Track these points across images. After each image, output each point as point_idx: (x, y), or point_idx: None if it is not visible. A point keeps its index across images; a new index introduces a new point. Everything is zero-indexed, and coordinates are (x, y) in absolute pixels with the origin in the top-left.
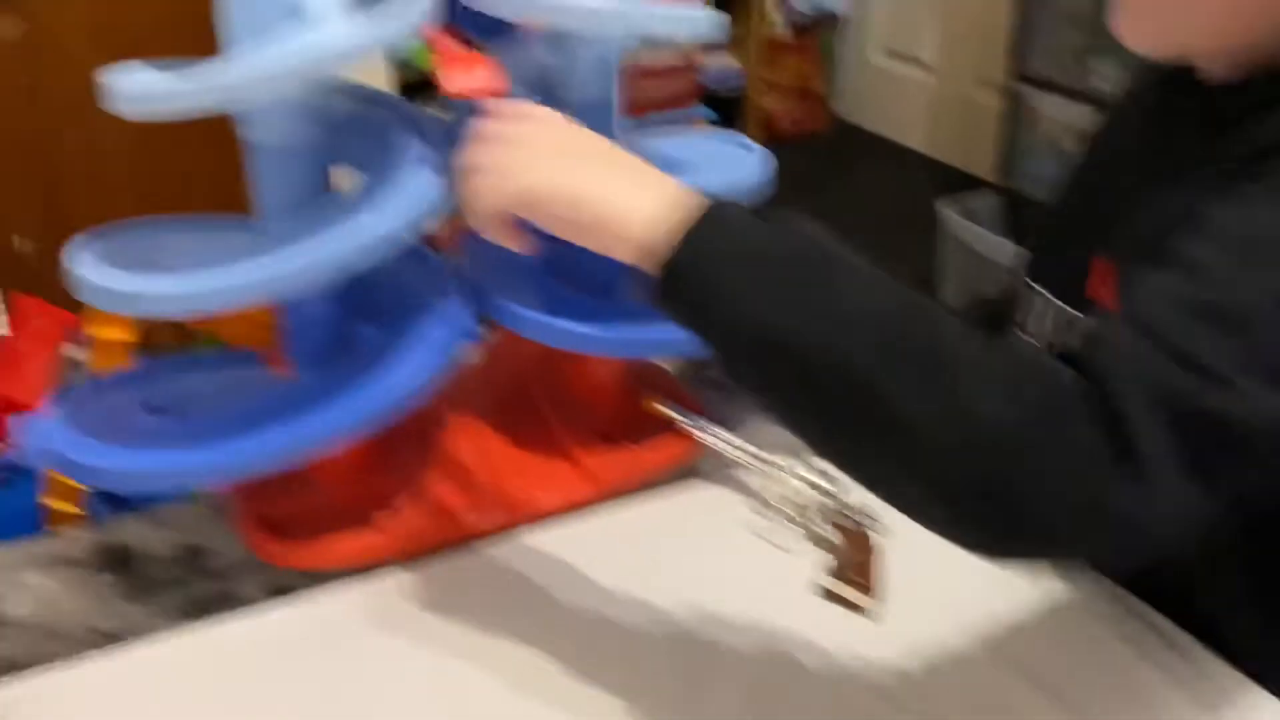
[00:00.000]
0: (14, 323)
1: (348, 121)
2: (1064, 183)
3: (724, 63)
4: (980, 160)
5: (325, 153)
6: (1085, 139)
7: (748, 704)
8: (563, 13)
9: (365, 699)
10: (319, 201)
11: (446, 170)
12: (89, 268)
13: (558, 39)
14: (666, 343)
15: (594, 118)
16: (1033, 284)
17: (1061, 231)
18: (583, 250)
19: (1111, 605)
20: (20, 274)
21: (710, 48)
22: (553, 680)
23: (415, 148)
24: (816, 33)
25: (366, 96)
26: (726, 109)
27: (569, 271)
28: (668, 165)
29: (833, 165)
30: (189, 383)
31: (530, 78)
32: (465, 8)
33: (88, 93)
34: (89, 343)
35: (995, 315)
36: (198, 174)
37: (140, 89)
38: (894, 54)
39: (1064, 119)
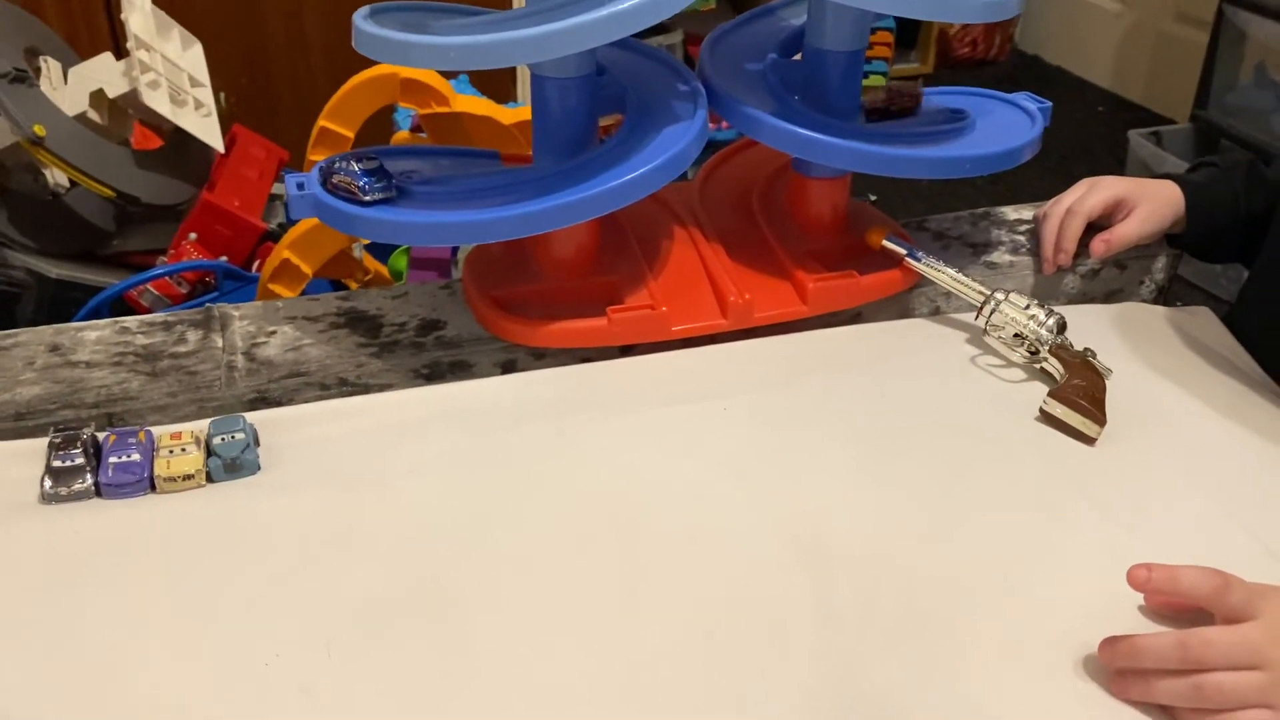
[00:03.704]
0: (232, 149)
1: None
2: None
3: None
4: (1168, 98)
5: None
6: None
7: (971, 519)
8: None
9: (580, 465)
10: None
11: None
12: (370, 26)
13: None
14: (894, 160)
15: None
16: None
17: None
18: (819, 68)
19: None
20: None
21: None
22: (755, 473)
23: None
24: None
25: None
26: (903, 26)
27: (803, 88)
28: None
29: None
30: (441, 163)
31: None
32: None
33: None
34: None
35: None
36: None
37: None
38: None
39: (1277, 45)
